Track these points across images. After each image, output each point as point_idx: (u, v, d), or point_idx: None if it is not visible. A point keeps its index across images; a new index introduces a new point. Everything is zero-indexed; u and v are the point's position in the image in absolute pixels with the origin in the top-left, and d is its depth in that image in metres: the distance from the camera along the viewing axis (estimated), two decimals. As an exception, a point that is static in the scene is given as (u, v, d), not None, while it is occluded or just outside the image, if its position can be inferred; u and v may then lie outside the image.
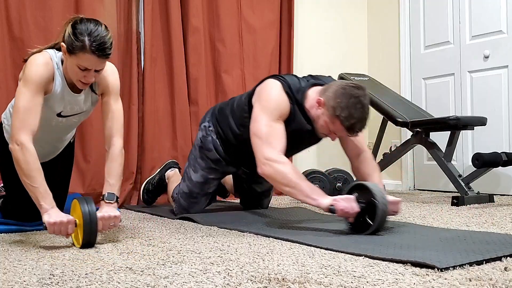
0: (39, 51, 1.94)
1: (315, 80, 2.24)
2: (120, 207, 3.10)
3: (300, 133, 2.20)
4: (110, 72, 2.04)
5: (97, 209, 1.84)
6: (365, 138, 4.47)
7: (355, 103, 1.99)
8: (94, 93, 2.06)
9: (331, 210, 1.90)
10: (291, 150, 2.24)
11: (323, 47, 4.31)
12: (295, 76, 2.30)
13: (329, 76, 2.35)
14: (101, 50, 1.81)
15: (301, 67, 4.14)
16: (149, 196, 3.03)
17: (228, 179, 2.95)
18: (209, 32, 3.65)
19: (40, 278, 1.33)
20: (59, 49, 1.92)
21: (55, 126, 2.08)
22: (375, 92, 3.69)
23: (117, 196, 1.94)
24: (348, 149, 2.33)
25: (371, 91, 3.66)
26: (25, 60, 1.94)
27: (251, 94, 2.30)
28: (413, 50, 4.22)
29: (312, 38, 4.25)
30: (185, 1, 3.49)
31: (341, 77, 3.86)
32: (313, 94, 2.15)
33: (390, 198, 1.98)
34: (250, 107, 2.25)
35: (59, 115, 2.04)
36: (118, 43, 3.26)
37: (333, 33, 4.37)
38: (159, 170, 3.05)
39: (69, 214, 1.83)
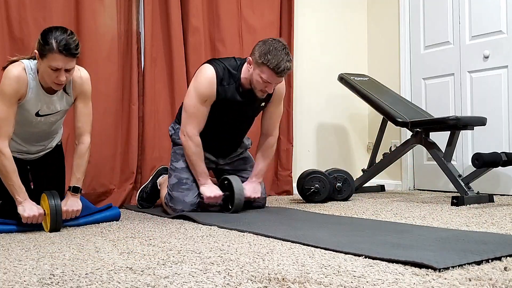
0: (16, 61, 2.21)
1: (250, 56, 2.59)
2: (120, 207, 3.11)
3: (231, 103, 2.61)
4: (85, 79, 2.34)
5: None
6: (365, 138, 4.50)
7: (275, 47, 2.43)
8: (67, 95, 2.32)
9: (200, 197, 2.64)
10: (229, 120, 2.72)
11: (323, 47, 4.31)
12: (234, 58, 2.70)
13: None
14: (67, 50, 2.08)
15: (301, 67, 4.15)
16: (144, 204, 3.09)
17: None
18: (209, 32, 3.65)
19: (40, 278, 1.33)
20: (35, 58, 2.19)
21: (36, 124, 2.31)
22: (375, 92, 3.69)
23: (81, 189, 2.36)
24: (262, 127, 2.81)
25: (371, 91, 3.67)
26: (4, 68, 2.22)
27: None
28: (413, 50, 4.22)
29: (312, 38, 4.25)
30: (185, 1, 3.49)
31: (341, 77, 3.86)
32: (246, 64, 2.57)
33: (250, 187, 2.70)
34: None
35: (37, 114, 2.27)
36: (118, 43, 3.26)
37: (333, 33, 4.37)
38: (151, 178, 3.12)
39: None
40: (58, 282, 1.28)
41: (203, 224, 2.29)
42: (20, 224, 2.20)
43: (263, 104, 2.72)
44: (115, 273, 1.37)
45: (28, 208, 2.16)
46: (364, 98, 3.68)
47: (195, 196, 2.67)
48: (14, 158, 2.26)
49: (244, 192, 2.62)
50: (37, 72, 2.20)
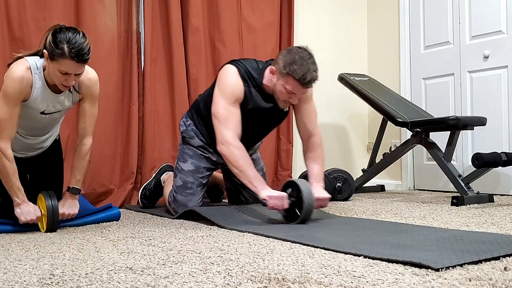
0: (21, 58, 2.13)
1: (272, 60, 2.45)
2: (120, 207, 3.11)
3: (258, 111, 2.45)
4: (94, 81, 2.26)
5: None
6: (365, 138, 4.50)
7: (300, 57, 2.27)
8: (76, 92, 2.25)
9: (263, 203, 2.23)
10: (256, 129, 2.58)
11: (323, 47, 4.30)
12: (255, 60, 2.53)
13: None
14: (79, 56, 2.00)
15: (301, 67, 4.14)
16: (147, 201, 3.03)
17: (220, 179, 2.99)
18: (209, 32, 3.65)
19: (40, 278, 1.33)
20: (42, 56, 2.11)
21: (39, 121, 2.26)
22: (375, 92, 3.69)
23: (80, 190, 2.31)
24: (300, 131, 2.57)
25: (371, 91, 3.66)
26: (9, 65, 2.14)
27: (215, 81, 2.51)
28: (413, 50, 4.22)
29: (312, 38, 4.25)
30: (185, 1, 3.49)
31: (341, 77, 3.86)
32: (268, 70, 2.40)
33: (319, 194, 2.29)
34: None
35: (42, 113, 2.21)
36: (118, 43, 3.26)
37: (333, 33, 4.37)
38: (154, 175, 3.08)
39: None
40: (58, 282, 1.28)
41: (203, 224, 2.29)
42: (17, 224, 2.19)
43: (287, 109, 2.57)
44: (115, 273, 1.37)
45: (25, 211, 2.14)
46: (364, 98, 3.69)
47: (198, 201, 2.59)
48: (14, 156, 2.24)
49: (313, 197, 2.20)
50: (43, 70, 2.13)
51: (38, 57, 2.14)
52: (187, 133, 2.68)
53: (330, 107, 4.29)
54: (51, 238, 2.00)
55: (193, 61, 3.50)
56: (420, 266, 1.34)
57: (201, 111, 2.64)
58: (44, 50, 2.04)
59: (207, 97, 2.56)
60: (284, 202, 2.21)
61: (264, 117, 2.52)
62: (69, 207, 2.26)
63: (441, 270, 1.30)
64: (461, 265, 1.35)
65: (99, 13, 3.20)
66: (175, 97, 3.44)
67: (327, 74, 4.21)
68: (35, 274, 1.38)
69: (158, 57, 3.42)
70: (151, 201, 3.04)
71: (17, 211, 2.14)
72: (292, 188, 2.25)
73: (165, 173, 3.01)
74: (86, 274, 1.37)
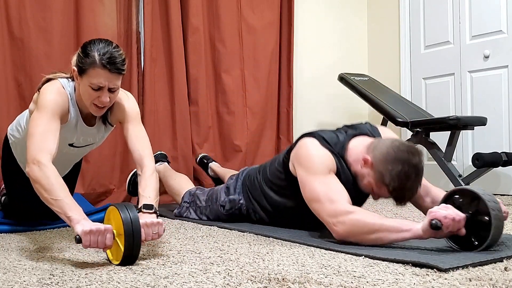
0: (51, 80, 1.89)
1: (354, 131, 2.00)
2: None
3: (349, 187, 1.87)
4: (125, 99, 1.97)
5: None
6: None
7: (408, 174, 1.72)
8: (109, 124, 2.02)
9: (434, 225, 1.49)
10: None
11: (323, 47, 4.31)
12: (329, 130, 2.04)
13: (367, 123, 2.08)
14: (112, 64, 1.74)
15: (301, 67, 4.14)
16: (134, 188, 2.81)
17: (225, 174, 2.93)
18: (209, 32, 3.65)
19: (40, 278, 1.33)
20: (72, 79, 1.89)
21: (66, 154, 2.04)
22: (375, 92, 3.69)
23: (155, 207, 1.76)
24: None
25: (371, 91, 3.66)
26: (39, 89, 1.89)
27: (284, 157, 2.08)
28: (413, 50, 4.22)
29: (312, 38, 4.25)
30: (185, 1, 3.49)
31: (341, 77, 3.86)
32: (356, 148, 1.90)
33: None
34: (287, 172, 2.04)
35: (70, 145, 2.00)
36: (118, 43, 3.22)
37: (333, 33, 4.37)
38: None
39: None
40: (58, 282, 1.28)
41: (203, 224, 2.29)
42: (17, 224, 2.18)
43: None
44: (115, 273, 1.37)
45: (89, 224, 1.51)
46: (364, 98, 3.68)
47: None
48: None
49: (500, 208, 1.53)
50: (74, 94, 1.88)
51: (68, 79, 1.90)
52: (234, 213, 2.32)
53: (330, 107, 4.29)
54: (51, 238, 2.00)
55: (193, 61, 3.50)
56: (427, 266, 1.34)
57: (267, 196, 2.19)
58: (73, 67, 1.80)
59: (272, 178, 2.16)
60: (456, 210, 1.54)
61: (355, 192, 1.91)
62: (149, 218, 1.67)
63: (447, 271, 1.29)
64: (462, 266, 1.34)
65: (99, 13, 3.20)
66: (175, 97, 3.43)
67: (327, 74, 4.22)
68: (35, 274, 1.38)
69: (158, 57, 3.41)
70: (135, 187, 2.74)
71: (79, 227, 1.50)
72: (461, 199, 1.59)
73: (158, 163, 2.86)
74: (86, 274, 1.37)
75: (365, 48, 4.56)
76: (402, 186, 1.73)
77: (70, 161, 2.19)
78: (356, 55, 4.49)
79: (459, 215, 1.51)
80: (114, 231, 1.50)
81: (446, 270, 1.29)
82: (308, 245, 1.71)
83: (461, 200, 1.57)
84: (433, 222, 1.49)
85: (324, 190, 1.80)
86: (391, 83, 4.15)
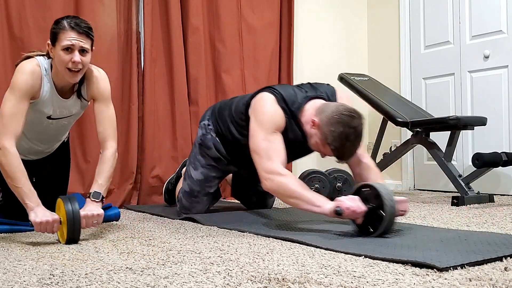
0: (29, 57, 2.05)
1: (313, 93, 2.21)
2: (120, 207, 3.10)
3: (295, 144, 2.19)
4: (100, 78, 2.14)
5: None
6: (365, 138, 4.48)
7: (347, 135, 1.94)
8: (84, 100, 2.16)
9: (337, 212, 1.83)
10: (289, 159, 2.23)
11: (323, 47, 4.31)
12: (292, 87, 2.27)
13: (328, 84, 2.33)
14: (79, 26, 1.95)
15: (301, 67, 4.14)
16: (170, 196, 3.02)
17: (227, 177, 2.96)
18: (209, 32, 3.65)
19: (40, 278, 1.33)
20: (48, 57, 2.05)
21: (46, 127, 2.17)
22: (375, 92, 3.69)
23: (102, 196, 2.02)
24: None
25: (371, 91, 3.66)
26: (16, 65, 2.06)
27: (248, 104, 2.29)
28: (413, 50, 4.22)
29: (312, 38, 4.25)
30: (185, 1, 3.49)
31: (341, 77, 3.86)
32: (309, 110, 2.11)
33: (397, 197, 1.91)
34: (247, 116, 2.27)
35: (49, 117, 2.12)
36: (118, 43, 3.26)
37: (333, 33, 4.37)
38: (177, 169, 3.06)
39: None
40: (58, 282, 1.28)
41: (203, 224, 2.29)
42: (16, 224, 2.18)
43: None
44: (115, 273, 1.37)
45: (40, 213, 1.86)
46: (364, 98, 3.68)
47: (203, 207, 2.57)
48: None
49: (395, 203, 1.82)
50: (51, 71, 2.04)
51: (45, 58, 2.07)
52: (206, 142, 2.55)
53: (330, 107, 4.29)
54: (50, 238, 2.00)
55: (193, 61, 3.50)
56: (425, 266, 1.34)
57: (230, 131, 2.45)
58: (48, 42, 2.00)
59: (236, 118, 2.40)
60: (359, 203, 1.85)
61: (298, 149, 2.26)
62: (90, 210, 1.95)
63: (443, 271, 1.29)
64: (461, 265, 1.34)
65: (99, 13, 3.20)
66: (175, 97, 3.43)
67: (327, 74, 4.21)
68: (35, 274, 1.38)
69: (158, 57, 3.41)
70: (173, 196, 2.98)
71: (32, 215, 1.86)
72: (367, 193, 1.88)
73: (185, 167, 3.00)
74: (85, 274, 1.37)
75: (365, 48, 4.56)
76: (342, 145, 1.97)
77: (55, 134, 2.27)
78: (356, 55, 4.49)
79: (360, 208, 1.83)
80: (61, 219, 1.86)
81: (443, 270, 1.29)
82: (308, 245, 1.71)
83: (368, 193, 1.87)
84: (338, 209, 1.84)
85: (265, 147, 2.08)
86: (391, 83, 4.15)
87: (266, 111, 2.14)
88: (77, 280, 1.30)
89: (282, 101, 2.14)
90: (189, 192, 2.56)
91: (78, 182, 3.11)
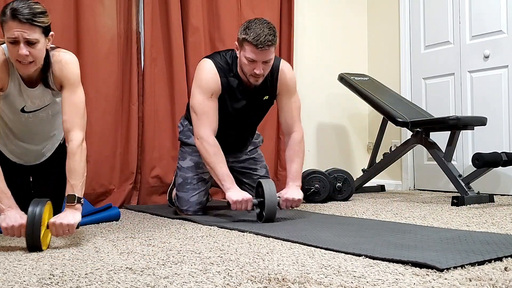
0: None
1: None
2: (120, 207, 3.10)
3: (235, 98, 2.47)
4: (65, 63, 1.96)
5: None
6: (365, 138, 4.50)
7: (255, 22, 2.29)
8: (49, 88, 1.99)
9: (226, 203, 2.33)
10: (241, 119, 2.57)
11: (323, 47, 4.31)
12: (232, 50, 2.50)
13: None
14: (20, 14, 1.74)
15: (301, 67, 4.14)
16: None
17: None
18: (209, 32, 3.65)
19: (40, 278, 1.33)
20: None
21: (26, 122, 2.07)
22: (375, 92, 3.69)
23: (78, 197, 1.83)
24: (282, 123, 2.60)
25: (371, 91, 3.66)
26: None
27: None
28: (413, 50, 4.22)
29: (312, 38, 4.25)
30: (185, 1, 3.49)
31: (341, 77, 3.86)
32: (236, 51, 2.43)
33: (290, 195, 2.36)
34: None
35: (23, 110, 2.02)
36: (117, 43, 3.26)
37: (333, 33, 4.37)
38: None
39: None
40: (58, 282, 1.28)
41: (203, 224, 2.29)
42: None
43: (266, 97, 2.54)
44: (115, 273, 1.37)
45: (8, 218, 1.75)
46: (364, 98, 3.68)
47: (200, 195, 2.60)
48: (14, 163, 2.16)
49: (276, 198, 2.27)
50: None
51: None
52: (184, 134, 2.74)
53: (330, 107, 4.29)
54: (50, 238, 1.99)
55: (193, 61, 3.50)
56: (425, 266, 1.34)
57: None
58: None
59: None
60: (248, 204, 2.29)
61: (248, 106, 2.52)
62: (63, 217, 1.78)
63: (443, 271, 1.29)
64: (461, 265, 1.34)
65: (99, 13, 3.20)
66: (175, 97, 3.44)
67: (327, 74, 4.22)
68: (35, 274, 1.38)
69: (158, 57, 3.41)
70: None
71: (1, 217, 1.77)
72: (260, 188, 2.31)
73: None
74: (85, 274, 1.37)
75: (365, 48, 4.56)
76: (253, 30, 2.26)
77: (40, 130, 2.14)
78: (356, 55, 4.49)
79: (247, 204, 2.28)
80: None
81: (443, 270, 1.29)
82: (308, 245, 1.71)
83: (260, 190, 2.29)
84: (227, 201, 2.31)
85: (201, 110, 2.40)
86: (391, 83, 4.15)
87: (202, 78, 2.42)
88: (77, 280, 1.30)
89: (223, 63, 2.43)
90: (182, 182, 2.62)
91: (78, 182, 3.10)
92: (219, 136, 2.46)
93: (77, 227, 1.79)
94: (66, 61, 1.97)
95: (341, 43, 4.40)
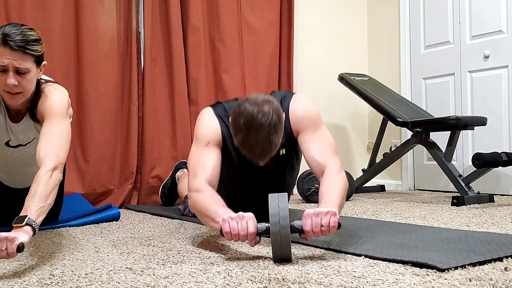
0: None
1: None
2: (120, 207, 3.10)
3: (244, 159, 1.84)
4: (50, 93, 1.82)
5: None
6: (365, 138, 4.49)
7: (242, 126, 1.67)
8: (37, 122, 1.85)
9: (220, 232, 1.54)
10: (259, 177, 2.02)
11: (323, 47, 4.31)
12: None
13: (288, 92, 2.08)
14: (12, 41, 1.62)
15: (301, 67, 4.14)
16: (167, 199, 3.10)
17: None
18: (209, 32, 3.65)
19: (40, 278, 1.33)
20: None
21: (11, 157, 1.96)
22: (375, 92, 3.69)
23: (30, 219, 1.44)
24: (310, 164, 1.89)
25: (371, 91, 3.66)
26: None
27: None
28: (413, 50, 4.22)
29: (312, 38, 4.25)
30: (185, 1, 3.49)
31: (341, 77, 3.86)
32: None
33: (312, 210, 1.50)
34: None
35: (7, 144, 1.92)
36: (117, 43, 3.26)
37: (333, 33, 4.37)
38: (171, 173, 3.11)
39: None
40: (58, 282, 1.28)
41: (203, 224, 2.29)
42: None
43: (282, 151, 1.99)
44: (115, 273, 1.37)
45: None
46: (364, 98, 3.68)
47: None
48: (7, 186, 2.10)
49: (288, 222, 1.42)
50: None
51: None
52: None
53: (330, 107, 4.29)
54: (51, 238, 2.00)
55: (193, 61, 3.50)
56: (425, 266, 1.34)
57: None
58: None
59: None
60: (249, 236, 1.51)
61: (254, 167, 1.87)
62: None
63: (444, 271, 1.29)
64: (461, 265, 1.34)
65: (98, 13, 3.20)
66: (175, 97, 3.43)
67: (327, 74, 4.22)
68: (35, 274, 1.38)
69: (158, 57, 3.41)
70: (170, 199, 3.09)
71: None
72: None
73: (179, 170, 3.03)
74: (85, 274, 1.37)
75: (365, 48, 4.56)
76: (242, 142, 1.69)
77: (26, 165, 2.00)
78: (356, 55, 4.49)
79: (245, 230, 1.48)
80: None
81: (444, 270, 1.29)
82: (308, 245, 1.71)
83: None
84: (220, 231, 1.52)
85: (193, 164, 1.85)
86: (391, 83, 4.15)
87: (199, 126, 1.96)
88: (77, 280, 1.30)
89: (223, 110, 1.97)
90: None
91: (78, 182, 3.11)
92: (240, 204, 1.87)
93: (20, 251, 1.38)
94: (51, 91, 1.82)
95: (341, 43, 4.40)
